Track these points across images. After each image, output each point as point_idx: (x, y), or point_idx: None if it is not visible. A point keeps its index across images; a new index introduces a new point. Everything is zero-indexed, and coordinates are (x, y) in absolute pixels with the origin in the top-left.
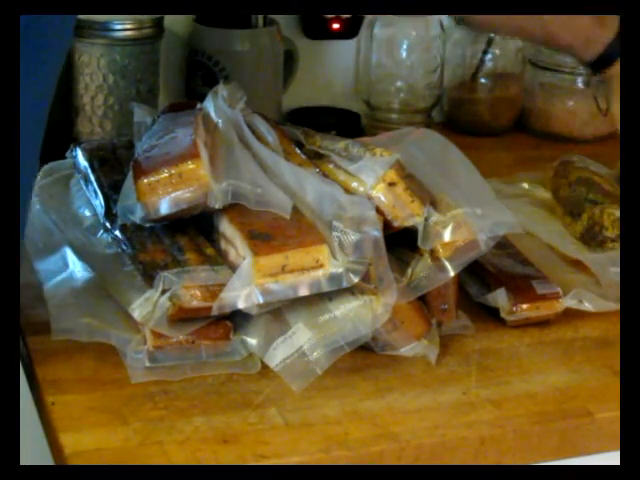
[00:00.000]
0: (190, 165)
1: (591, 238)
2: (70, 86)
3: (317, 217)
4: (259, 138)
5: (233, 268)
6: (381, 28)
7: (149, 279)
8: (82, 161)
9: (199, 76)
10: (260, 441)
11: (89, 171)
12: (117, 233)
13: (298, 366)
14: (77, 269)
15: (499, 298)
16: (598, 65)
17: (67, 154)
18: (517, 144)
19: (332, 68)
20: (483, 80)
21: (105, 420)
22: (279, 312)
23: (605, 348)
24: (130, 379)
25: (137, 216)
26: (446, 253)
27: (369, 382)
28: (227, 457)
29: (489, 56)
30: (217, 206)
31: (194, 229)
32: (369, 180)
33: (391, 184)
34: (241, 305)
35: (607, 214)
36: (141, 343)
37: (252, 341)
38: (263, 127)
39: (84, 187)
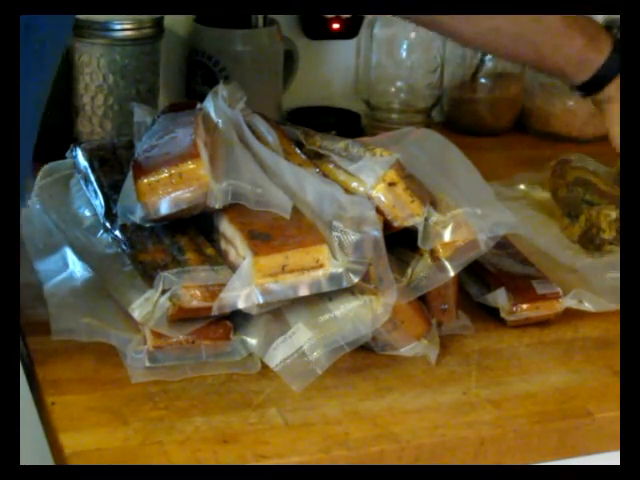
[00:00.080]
0: (190, 165)
1: (589, 241)
2: (70, 86)
3: (317, 217)
4: (259, 138)
5: (233, 268)
6: (381, 28)
7: (149, 279)
8: (82, 161)
9: (199, 76)
10: (260, 441)
11: (89, 171)
12: (117, 233)
13: (298, 366)
14: (77, 269)
15: (499, 298)
16: (589, 88)
17: (67, 154)
18: (517, 144)
19: (332, 68)
20: (483, 80)
21: (105, 420)
22: (279, 312)
23: (605, 348)
24: (130, 379)
25: (137, 216)
26: (446, 253)
27: (369, 382)
28: (227, 457)
29: (489, 56)
30: (217, 206)
31: (194, 229)
32: (369, 180)
33: (391, 184)
34: (241, 305)
35: (603, 215)
36: (141, 343)
37: (252, 341)
38: (263, 127)
39: (84, 187)
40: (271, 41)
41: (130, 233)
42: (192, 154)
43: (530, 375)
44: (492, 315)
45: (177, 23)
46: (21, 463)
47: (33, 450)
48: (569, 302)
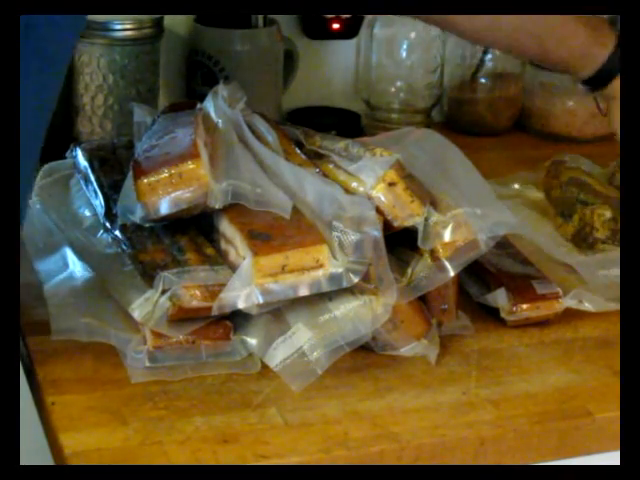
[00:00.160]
0: (190, 165)
1: (582, 240)
2: (70, 86)
3: (317, 217)
4: (259, 138)
5: (233, 268)
6: (381, 28)
7: (149, 279)
8: (82, 161)
9: (199, 76)
10: (260, 441)
11: (89, 171)
12: (117, 233)
13: (298, 366)
14: (77, 269)
15: (499, 298)
16: (595, 82)
17: (67, 154)
18: (517, 144)
19: (332, 68)
20: (483, 80)
21: (105, 420)
22: (279, 312)
23: (605, 348)
24: (130, 379)
25: (137, 216)
26: (446, 253)
27: (369, 382)
28: (227, 457)
29: (489, 56)
30: (217, 206)
31: (194, 229)
32: (369, 180)
33: (391, 184)
34: (241, 305)
35: (597, 215)
36: (141, 343)
37: (252, 341)
38: (263, 127)
39: (84, 187)
40: (271, 41)
41: (130, 233)
42: (192, 154)
43: (530, 375)
44: (492, 315)
45: (177, 23)
46: (21, 463)
47: (33, 450)
48: (569, 302)
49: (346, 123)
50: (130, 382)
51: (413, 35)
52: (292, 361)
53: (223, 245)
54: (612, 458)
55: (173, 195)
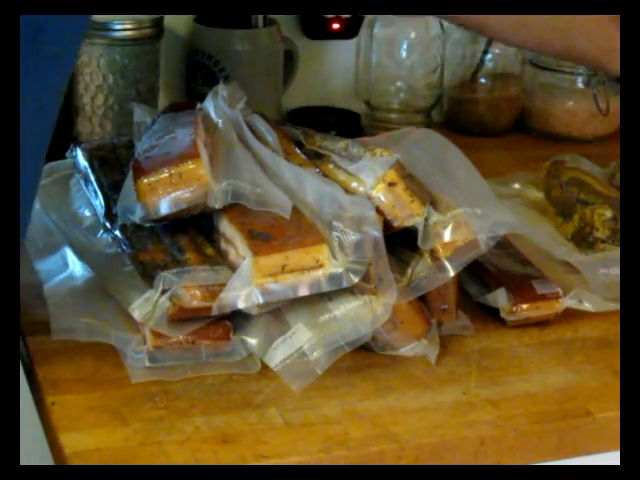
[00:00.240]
0: (190, 165)
1: (582, 239)
2: (70, 86)
3: (317, 217)
4: (259, 138)
5: (233, 268)
6: (381, 28)
7: (149, 279)
8: (82, 161)
9: (199, 76)
10: (260, 441)
11: (89, 171)
12: (117, 233)
13: (298, 366)
14: (77, 269)
15: (499, 298)
16: None
17: (67, 154)
18: (517, 144)
19: (332, 68)
20: (483, 80)
21: (105, 420)
22: (279, 312)
23: (605, 348)
24: (130, 379)
25: (137, 216)
26: (446, 253)
27: (369, 382)
28: (227, 457)
29: (489, 56)
30: (217, 206)
31: (194, 229)
32: (369, 180)
33: (391, 184)
34: (241, 305)
35: (598, 215)
36: (141, 343)
37: (252, 341)
38: (263, 127)
39: (84, 187)
40: (271, 41)
41: (130, 233)
42: (192, 154)
43: (530, 375)
44: (492, 315)
45: (177, 23)
46: (21, 463)
47: (33, 450)
48: (569, 302)
49: (346, 123)
50: (130, 382)
51: (413, 35)
52: (292, 361)
53: (223, 245)
54: (612, 458)
55: (173, 195)
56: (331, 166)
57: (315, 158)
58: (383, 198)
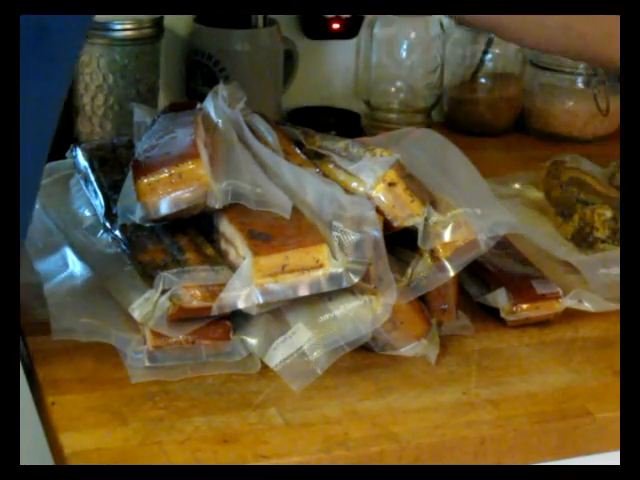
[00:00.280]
0: (190, 165)
1: (582, 239)
2: (70, 86)
3: (317, 217)
4: (259, 138)
5: (233, 268)
6: (381, 28)
7: (149, 279)
8: (82, 161)
9: (199, 76)
10: (260, 441)
11: (89, 171)
12: (117, 233)
13: (298, 366)
14: (77, 269)
15: (499, 298)
16: None
17: (67, 154)
18: (517, 144)
19: (332, 68)
20: (483, 80)
21: (105, 420)
22: (279, 312)
23: (605, 348)
24: (130, 379)
25: (137, 216)
26: (446, 253)
27: (369, 382)
28: (227, 457)
29: (489, 56)
30: (217, 206)
31: (194, 229)
32: (369, 180)
33: (391, 184)
34: (241, 305)
35: (598, 214)
36: (141, 343)
37: (252, 341)
38: (263, 127)
39: (84, 187)
40: (271, 41)
41: (130, 233)
42: (192, 154)
43: (530, 375)
44: (492, 315)
45: (177, 23)
46: (21, 463)
47: (33, 450)
48: (569, 302)
49: (346, 123)
50: (130, 382)
51: (413, 35)
52: (292, 361)
53: (223, 245)
54: (612, 458)
55: (173, 195)
56: (331, 166)
57: (315, 158)
58: (383, 198)
